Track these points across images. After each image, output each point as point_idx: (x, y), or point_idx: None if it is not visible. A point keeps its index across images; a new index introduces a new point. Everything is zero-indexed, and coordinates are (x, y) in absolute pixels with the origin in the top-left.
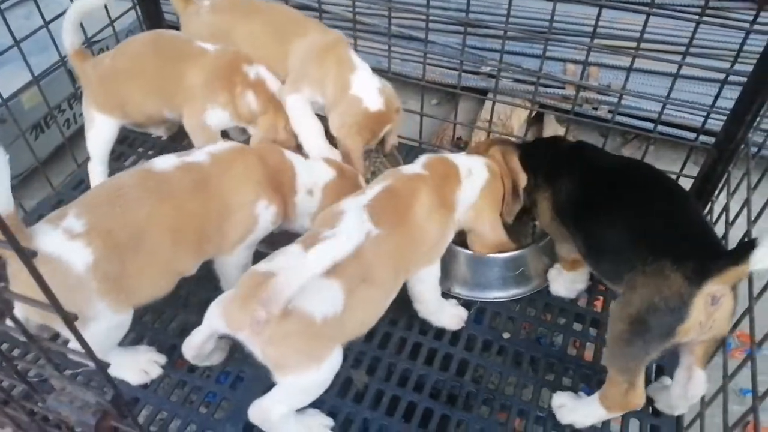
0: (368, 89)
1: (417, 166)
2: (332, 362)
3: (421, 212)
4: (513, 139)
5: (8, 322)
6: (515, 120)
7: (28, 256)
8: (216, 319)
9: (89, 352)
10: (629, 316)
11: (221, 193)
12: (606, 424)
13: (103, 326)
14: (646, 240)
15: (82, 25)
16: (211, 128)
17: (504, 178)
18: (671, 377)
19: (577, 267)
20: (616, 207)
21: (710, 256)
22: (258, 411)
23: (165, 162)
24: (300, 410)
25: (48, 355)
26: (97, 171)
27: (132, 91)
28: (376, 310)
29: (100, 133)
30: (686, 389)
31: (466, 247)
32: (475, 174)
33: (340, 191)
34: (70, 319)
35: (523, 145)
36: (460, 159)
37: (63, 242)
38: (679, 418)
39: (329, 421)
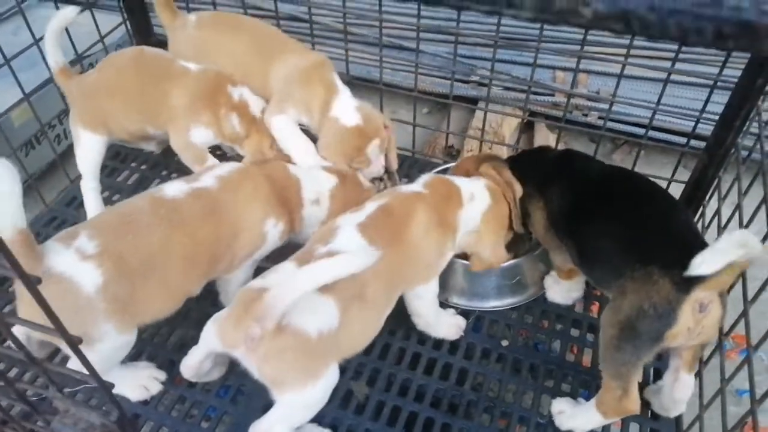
0: (344, 109)
1: (417, 185)
2: (328, 379)
3: (418, 231)
4: (499, 153)
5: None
6: (506, 128)
7: (33, 284)
8: (212, 338)
9: (94, 374)
10: (619, 322)
11: (231, 216)
12: (606, 428)
13: (108, 347)
14: (634, 247)
15: (71, 41)
16: (197, 146)
17: (506, 193)
18: None
19: (573, 276)
20: (604, 215)
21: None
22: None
23: (175, 188)
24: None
25: (51, 377)
26: (89, 188)
27: (114, 108)
28: (371, 327)
29: (87, 150)
30: (672, 392)
31: (461, 257)
32: (477, 198)
33: (346, 195)
34: (74, 343)
35: (511, 159)
36: (463, 182)
37: (74, 262)
38: (678, 421)
39: None
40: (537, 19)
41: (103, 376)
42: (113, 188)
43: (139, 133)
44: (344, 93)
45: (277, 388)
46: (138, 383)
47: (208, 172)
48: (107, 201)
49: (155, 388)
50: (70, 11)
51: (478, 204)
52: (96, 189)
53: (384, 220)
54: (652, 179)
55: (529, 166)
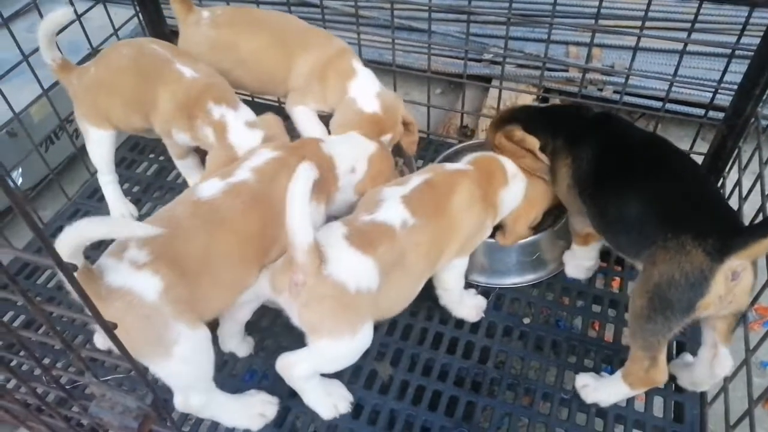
0: (364, 92)
1: (462, 163)
2: (363, 335)
3: (460, 204)
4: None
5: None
6: None
7: (69, 272)
8: (264, 284)
9: (128, 357)
10: (649, 292)
11: (272, 206)
12: (630, 402)
13: (187, 347)
14: (666, 215)
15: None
16: (178, 145)
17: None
18: (692, 354)
19: (589, 241)
20: (636, 181)
21: (731, 232)
22: (284, 364)
23: (211, 188)
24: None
25: (87, 365)
26: (106, 181)
27: (113, 104)
28: (408, 294)
29: (97, 145)
30: (712, 367)
31: None
32: (520, 176)
33: (382, 163)
34: (109, 328)
35: (544, 108)
36: (509, 162)
37: (131, 274)
38: (702, 395)
39: (350, 396)
40: None
41: (205, 393)
42: (132, 179)
43: (141, 128)
44: (364, 76)
45: (315, 334)
46: (254, 412)
47: (242, 164)
48: (127, 192)
49: (271, 413)
50: (61, 14)
51: (520, 183)
52: (113, 182)
53: (428, 193)
54: None
55: (563, 121)
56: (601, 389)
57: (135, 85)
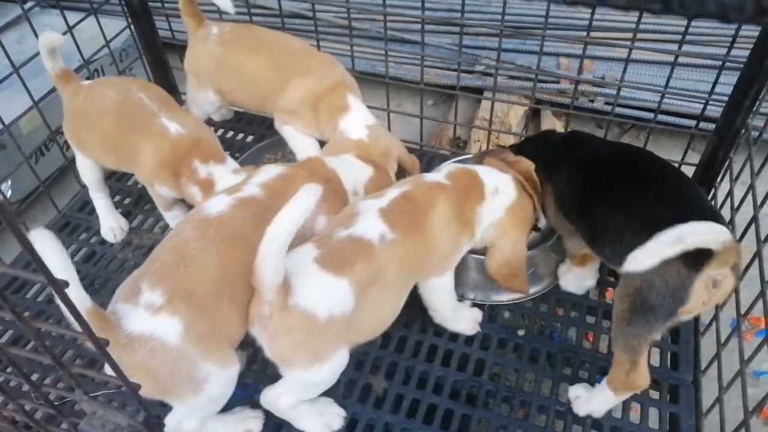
0: (354, 124)
1: (440, 175)
2: (336, 363)
3: (437, 222)
4: (506, 142)
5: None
6: (513, 117)
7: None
8: None
9: (121, 376)
10: (631, 296)
11: None
12: (626, 414)
13: (218, 385)
14: (643, 224)
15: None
16: (161, 195)
17: (526, 182)
18: None
19: (586, 262)
20: (613, 192)
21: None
22: (268, 399)
23: (218, 204)
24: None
25: (78, 381)
26: (96, 197)
27: (92, 140)
28: (386, 314)
29: (83, 166)
30: None
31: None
32: (501, 191)
33: (380, 185)
34: (101, 345)
35: (515, 146)
36: (489, 174)
37: (149, 319)
38: (698, 404)
39: (342, 411)
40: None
41: (217, 409)
42: (123, 192)
43: (117, 168)
44: (356, 111)
45: (285, 366)
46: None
47: (249, 180)
48: (117, 205)
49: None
50: (56, 38)
51: (504, 197)
52: (104, 197)
53: (406, 206)
54: None
55: (535, 151)
56: (592, 399)
57: (115, 130)
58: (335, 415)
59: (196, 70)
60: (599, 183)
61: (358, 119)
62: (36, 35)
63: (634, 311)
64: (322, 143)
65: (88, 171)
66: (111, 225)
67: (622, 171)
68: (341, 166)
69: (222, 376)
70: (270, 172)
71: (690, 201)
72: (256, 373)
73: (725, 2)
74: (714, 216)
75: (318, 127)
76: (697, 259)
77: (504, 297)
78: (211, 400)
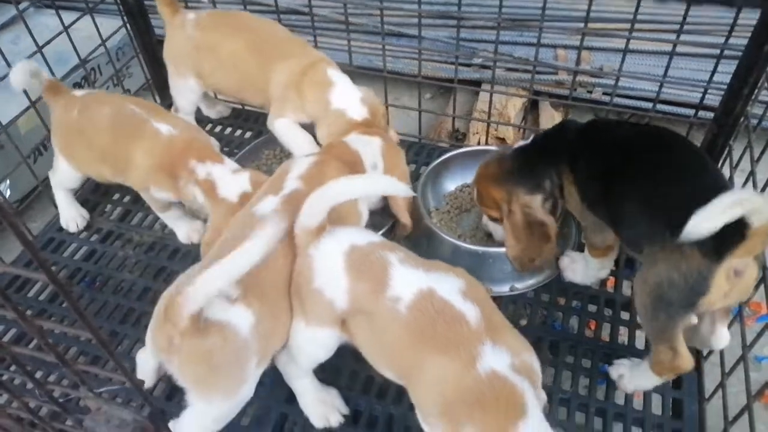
0: (350, 101)
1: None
2: (249, 389)
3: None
4: (505, 134)
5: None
6: (511, 109)
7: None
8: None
9: (125, 372)
10: (650, 292)
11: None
12: (629, 400)
13: (249, 388)
14: (664, 215)
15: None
16: (157, 200)
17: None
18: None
19: (608, 254)
20: (635, 180)
21: (730, 231)
22: None
23: (269, 205)
24: None
25: (82, 378)
26: (57, 191)
27: (87, 157)
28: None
29: (64, 176)
30: (710, 341)
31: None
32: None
33: (390, 153)
34: (105, 342)
35: (531, 146)
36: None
37: (226, 308)
38: (701, 390)
39: (345, 409)
40: None
41: (227, 420)
42: (123, 189)
43: (111, 180)
44: (342, 84)
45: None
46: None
47: (287, 176)
48: (117, 202)
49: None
50: (27, 69)
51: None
52: (65, 191)
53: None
54: None
55: (557, 143)
56: (638, 377)
57: (111, 143)
58: (336, 410)
59: (174, 57)
60: (618, 171)
61: (349, 94)
62: (32, 35)
63: (654, 306)
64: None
65: (69, 182)
66: (71, 215)
67: (643, 158)
68: (359, 145)
69: (256, 378)
70: (303, 163)
71: (711, 192)
72: None
73: None
74: None
75: (306, 110)
76: (718, 248)
77: (506, 287)
78: (237, 404)
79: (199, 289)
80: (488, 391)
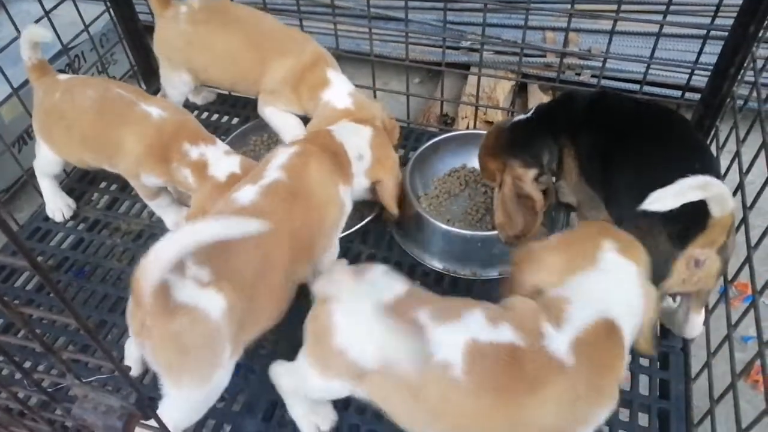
0: (337, 94)
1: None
2: (223, 376)
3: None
4: (494, 117)
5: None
6: (500, 92)
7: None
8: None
9: (111, 359)
10: None
11: (309, 198)
12: None
13: (223, 375)
14: (645, 196)
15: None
16: (147, 186)
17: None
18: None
19: None
20: (628, 159)
21: (693, 220)
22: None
23: (248, 193)
24: None
25: (69, 366)
26: (41, 181)
27: (69, 139)
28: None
29: (45, 161)
30: (684, 329)
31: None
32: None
33: (381, 143)
34: (89, 329)
35: (535, 117)
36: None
37: (197, 291)
38: (687, 370)
39: (335, 416)
40: None
41: (205, 409)
42: (110, 177)
43: (94, 165)
44: (338, 84)
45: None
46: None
47: (268, 165)
48: (104, 190)
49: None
50: (41, 34)
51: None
52: (50, 179)
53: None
54: None
55: (561, 115)
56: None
57: (96, 126)
58: (327, 417)
59: (167, 52)
60: (625, 146)
61: (339, 89)
62: (13, 23)
63: None
64: (305, 120)
65: (50, 166)
66: (57, 204)
67: (637, 136)
68: (343, 134)
69: (229, 366)
70: (285, 153)
71: (711, 163)
72: (248, 354)
73: None
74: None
75: (301, 105)
76: (684, 234)
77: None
78: (210, 393)
79: (152, 260)
80: None
